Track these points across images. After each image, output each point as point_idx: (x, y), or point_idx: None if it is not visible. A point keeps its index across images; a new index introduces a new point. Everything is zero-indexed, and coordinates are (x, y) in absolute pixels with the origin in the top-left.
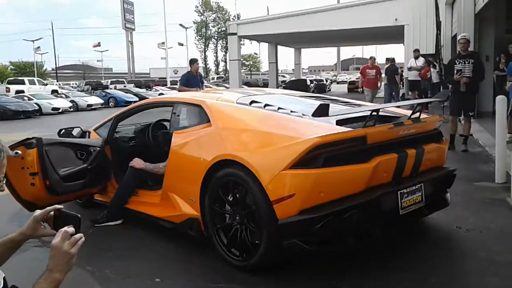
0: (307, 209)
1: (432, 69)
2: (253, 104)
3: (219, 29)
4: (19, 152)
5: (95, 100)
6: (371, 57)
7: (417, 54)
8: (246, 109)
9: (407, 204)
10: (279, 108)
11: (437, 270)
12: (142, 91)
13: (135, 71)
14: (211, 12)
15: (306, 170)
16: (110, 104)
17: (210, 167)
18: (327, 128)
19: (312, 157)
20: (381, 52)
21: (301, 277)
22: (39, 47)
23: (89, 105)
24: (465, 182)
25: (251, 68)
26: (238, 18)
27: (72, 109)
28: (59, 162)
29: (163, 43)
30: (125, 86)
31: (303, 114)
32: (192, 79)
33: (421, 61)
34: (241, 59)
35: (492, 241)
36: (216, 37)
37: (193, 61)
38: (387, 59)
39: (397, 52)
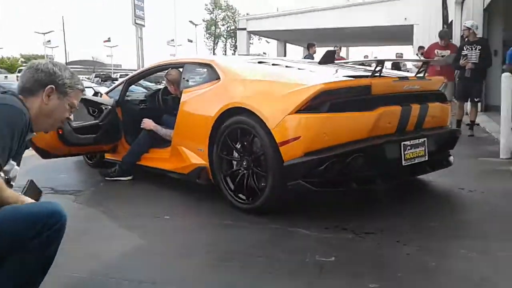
0: (312, 152)
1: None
2: (261, 64)
3: (228, 28)
4: None
5: (104, 90)
6: (443, 33)
7: (422, 50)
8: (254, 65)
9: (410, 156)
10: (286, 66)
11: (438, 218)
12: (151, 85)
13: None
14: (220, 10)
15: (311, 114)
16: None
17: (218, 116)
18: (333, 77)
19: (318, 103)
20: (390, 54)
21: (304, 218)
22: (49, 40)
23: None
24: (470, 158)
25: None
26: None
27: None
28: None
29: (172, 40)
30: None
31: (310, 71)
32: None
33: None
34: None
35: (494, 198)
36: (225, 36)
37: (311, 45)
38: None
39: (404, 54)
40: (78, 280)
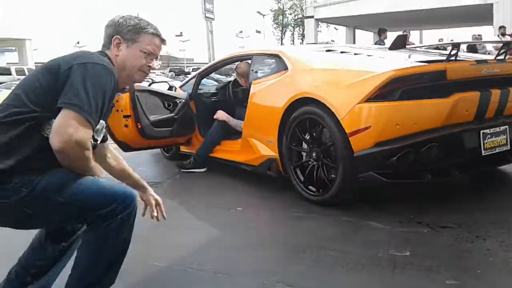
0: (383, 142)
1: None
2: (329, 52)
3: (296, 17)
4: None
5: (178, 84)
6: None
7: (503, 31)
8: (322, 53)
9: (490, 145)
10: (355, 54)
11: None
12: (222, 77)
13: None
14: None
15: (381, 103)
16: None
17: (287, 107)
18: (404, 63)
19: (388, 90)
20: (467, 36)
21: (376, 211)
22: None
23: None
24: None
25: None
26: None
27: None
28: (149, 108)
29: (241, 31)
30: None
31: (380, 57)
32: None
33: (507, 39)
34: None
35: None
36: (293, 25)
37: (382, 30)
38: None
39: (483, 36)
40: (156, 270)
